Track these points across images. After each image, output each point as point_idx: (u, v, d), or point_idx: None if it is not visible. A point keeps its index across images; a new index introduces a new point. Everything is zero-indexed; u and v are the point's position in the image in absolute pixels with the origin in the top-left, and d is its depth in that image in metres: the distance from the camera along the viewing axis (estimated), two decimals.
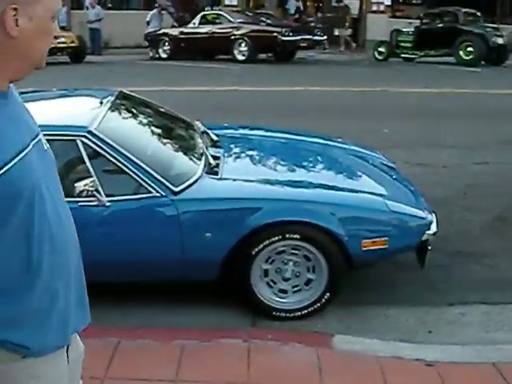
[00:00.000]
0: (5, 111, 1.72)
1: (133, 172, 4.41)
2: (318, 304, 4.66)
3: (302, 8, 31.27)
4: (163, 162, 4.82)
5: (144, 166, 4.44)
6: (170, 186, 4.46)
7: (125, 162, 4.41)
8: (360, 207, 4.75)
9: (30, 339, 1.78)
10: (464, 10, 24.49)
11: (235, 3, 29.23)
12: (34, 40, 1.72)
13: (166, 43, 23.93)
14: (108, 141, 4.44)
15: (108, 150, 4.41)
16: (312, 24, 26.73)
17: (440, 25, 24.35)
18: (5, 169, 1.64)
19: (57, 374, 1.90)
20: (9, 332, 1.74)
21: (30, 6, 1.66)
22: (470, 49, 23.22)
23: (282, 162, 5.64)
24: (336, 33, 27.85)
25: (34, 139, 1.79)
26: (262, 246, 4.50)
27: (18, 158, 1.68)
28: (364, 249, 4.55)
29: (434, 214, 4.98)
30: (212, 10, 25.95)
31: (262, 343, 4.24)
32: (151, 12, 25.85)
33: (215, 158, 5.11)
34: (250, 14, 24.71)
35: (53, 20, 1.76)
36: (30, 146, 1.75)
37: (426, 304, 5.05)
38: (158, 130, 5.56)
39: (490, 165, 8.84)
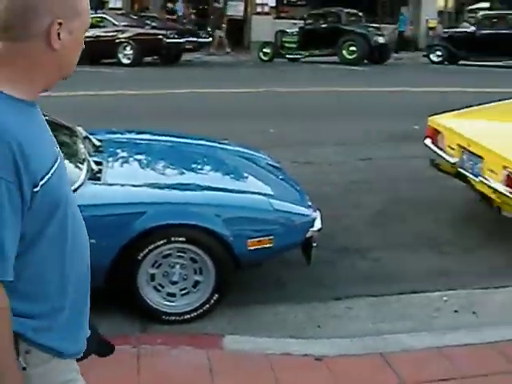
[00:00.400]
0: (39, 120, 1.84)
1: None
2: (207, 305, 4.65)
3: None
4: None
5: None
6: None
7: None
8: (244, 207, 4.78)
9: (63, 343, 1.89)
10: (346, 10, 25.08)
11: (119, 6, 28.92)
12: (71, 52, 1.82)
13: None
14: None
15: None
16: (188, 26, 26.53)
17: (323, 25, 24.85)
18: (47, 177, 1.73)
19: (77, 376, 2.04)
20: (45, 336, 1.83)
21: (71, 21, 1.76)
22: (352, 48, 23.81)
23: (167, 166, 5.61)
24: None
25: (57, 149, 1.89)
26: (147, 250, 4.45)
27: (54, 167, 1.78)
28: (250, 248, 4.57)
29: (318, 211, 5.05)
30: (96, 13, 25.52)
31: (151, 348, 4.19)
32: None
33: (98, 163, 5.02)
34: (135, 17, 24.49)
35: (85, 33, 1.85)
36: (59, 156, 1.86)
37: (313, 300, 5.11)
38: None
39: (373, 161, 9.08)
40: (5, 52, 1.75)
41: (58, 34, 1.73)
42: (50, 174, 1.75)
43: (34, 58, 1.76)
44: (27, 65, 1.76)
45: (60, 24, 1.73)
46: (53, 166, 1.78)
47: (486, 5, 41.01)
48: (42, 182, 1.72)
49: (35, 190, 1.70)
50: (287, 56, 25.32)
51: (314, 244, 4.90)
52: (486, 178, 5.86)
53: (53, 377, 1.91)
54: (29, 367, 1.84)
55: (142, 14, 26.38)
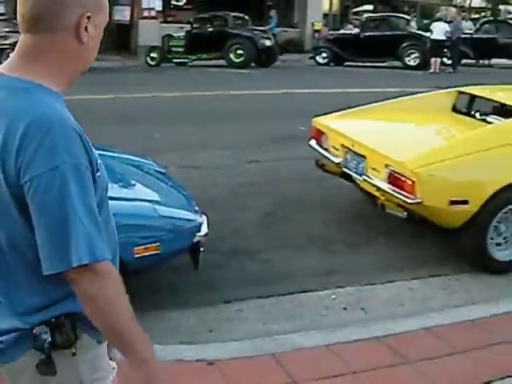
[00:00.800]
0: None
1: None
2: None
3: None
4: None
5: None
6: None
7: None
8: (130, 215, 4.70)
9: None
10: (233, 14, 25.20)
11: (2, 11, 28.12)
12: (94, 47, 1.89)
13: None
14: None
15: None
16: None
17: (210, 29, 24.87)
18: (99, 163, 1.84)
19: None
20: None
21: (97, 15, 1.83)
22: (239, 51, 23.94)
23: None
24: None
25: None
26: None
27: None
28: (136, 256, 4.51)
29: (204, 216, 5.05)
30: None
31: None
32: None
33: None
34: (16, 22, 23.81)
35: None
36: None
37: (205, 304, 5.11)
38: None
39: (260, 163, 9.13)
40: (38, 45, 1.80)
41: (86, 28, 1.80)
42: (100, 160, 1.86)
43: (65, 51, 1.82)
44: (59, 58, 1.82)
45: (88, 18, 1.79)
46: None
47: (370, 7, 42.12)
48: (98, 168, 1.83)
49: (98, 174, 1.82)
50: (174, 60, 25.17)
51: (202, 249, 4.89)
52: (369, 177, 6.01)
53: (98, 363, 1.98)
54: (78, 353, 1.88)
55: None
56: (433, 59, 24.33)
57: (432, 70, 24.13)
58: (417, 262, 6.04)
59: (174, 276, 5.47)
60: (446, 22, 25.33)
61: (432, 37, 24.42)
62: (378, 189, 5.89)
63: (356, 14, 42.55)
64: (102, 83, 18.83)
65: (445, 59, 25.00)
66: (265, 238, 6.46)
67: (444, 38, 24.24)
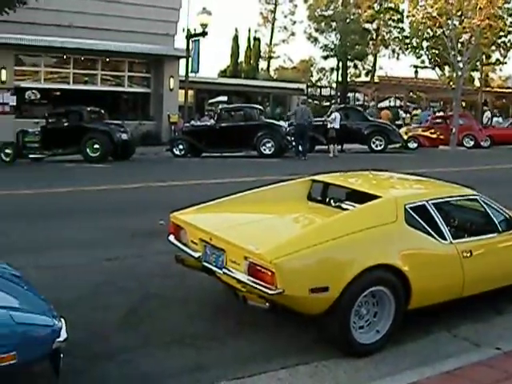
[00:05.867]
0: None
1: None
2: None
3: None
4: None
5: None
6: None
7: None
8: None
9: None
10: (88, 108, 25.13)
11: None
12: None
13: None
14: None
15: None
16: None
17: (66, 123, 24.70)
18: None
19: None
20: None
21: None
22: (96, 146, 23.85)
23: None
24: None
25: None
26: None
27: None
28: None
29: (63, 320, 4.88)
30: None
31: None
32: None
33: None
34: None
35: None
36: None
37: None
38: None
39: (120, 260, 8.97)
40: None
41: None
42: None
43: None
44: None
45: None
46: None
47: (225, 98, 43.19)
48: None
49: None
50: (30, 156, 24.75)
51: (61, 355, 4.71)
52: (229, 270, 6.02)
53: None
54: None
55: None
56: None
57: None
58: (284, 351, 6.04)
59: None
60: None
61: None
62: (239, 281, 5.89)
63: (211, 105, 43.46)
64: None
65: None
66: (127, 337, 6.27)
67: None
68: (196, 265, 6.66)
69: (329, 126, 26.97)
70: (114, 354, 5.88)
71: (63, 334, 4.76)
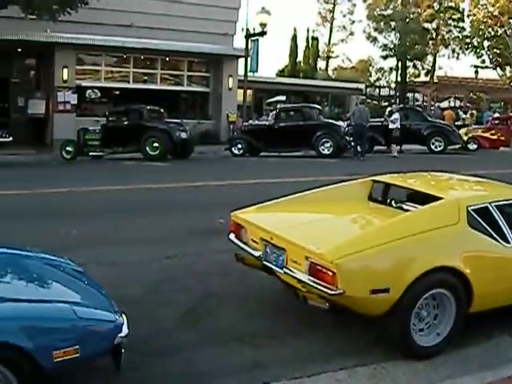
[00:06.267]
0: None
1: None
2: None
3: None
4: None
5: None
6: None
7: None
8: (48, 318, 4.56)
9: None
10: (148, 107, 25.31)
11: None
12: None
13: None
14: None
15: None
16: None
17: (126, 122, 24.89)
18: None
19: None
20: None
21: None
22: (155, 144, 23.97)
23: None
24: None
25: None
26: None
27: None
28: (56, 360, 4.36)
29: (124, 316, 4.93)
30: None
31: None
32: None
33: None
34: None
35: None
36: None
37: None
38: None
39: (179, 258, 9.02)
40: None
41: None
42: None
43: None
44: None
45: None
46: None
47: (283, 98, 43.16)
48: None
49: None
50: (90, 154, 25.06)
51: (123, 350, 4.76)
52: (290, 270, 6.00)
53: None
54: None
55: None
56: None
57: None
58: (343, 352, 6.02)
59: (93, 378, 5.29)
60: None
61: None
62: (299, 281, 5.88)
63: (270, 104, 43.49)
64: (16, 178, 18.57)
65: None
66: (187, 335, 6.32)
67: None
68: (256, 264, 6.67)
69: (390, 126, 26.72)
70: (173, 351, 5.93)
71: (125, 330, 4.81)
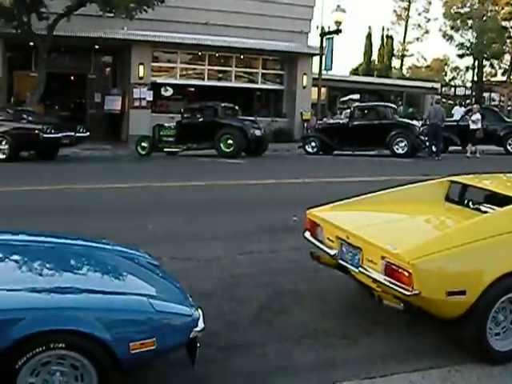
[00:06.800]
0: None
1: None
2: None
3: None
4: None
5: None
6: None
7: None
8: (124, 310, 4.63)
9: None
10: (223, 104, 25.48)
11: None
12: None
13: None
14: None
15: None
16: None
17: (200, 119, 25.11)
18: None
19: None
20: None
21: None
22: (230, 141, 24.12)
23: (45, 268, 5.41)
24: None
25: None
26: (25, 358, 4.25)
27: None
28: (132, 351, 4.43)
29: (200, 310, 4.98)
30: None
31: None
32: None
33: None
34: (11, 111, 24.04)
35: None
36: None
37: None
38: None
39: (254, 254, 9.07)
40: None
41: None
42: None
43: None
44: None
45: None
46: None
47: (357, 96, 42.96)
48: None
49: None
50: (165, 150, 25.41)
51: (198, 344, 4.81)
52: (365, 269, 5.97)
53: None
54: None
55: (19, 108, 25.95)
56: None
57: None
58: (416, 353, 5.94)
59: (168, 371, 5.36)
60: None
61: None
62: (375, 281, 5.85)
63: (344, 103, 43.34)
64: (93, 173, 18.96)
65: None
66: (261, 331, 6.35)
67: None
68: (331, 262, 6.65)
69: (472, 126, 26.21)
70: (248, 347, 5.96)
71: (200, 324, 4.84)
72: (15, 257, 5.56)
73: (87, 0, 25.42)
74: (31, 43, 27.93)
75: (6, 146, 21.48)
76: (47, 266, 5.47)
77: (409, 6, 57.89)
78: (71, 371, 4.43)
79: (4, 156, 21.43)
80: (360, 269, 6.04)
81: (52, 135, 21.60)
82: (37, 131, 21.36)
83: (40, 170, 19.99)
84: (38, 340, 4.29)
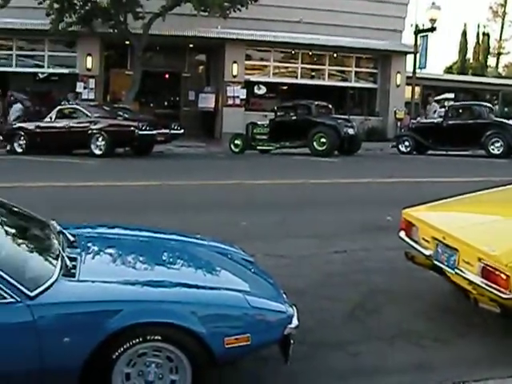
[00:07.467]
0: None
1: None
2: None
3: None
4: (17, 265, 4.61)
5: None
6: (24, 290, 4.26)
7: None
8: (220, 304, 4.69)
9: None
10: (316, 102, 25.44)
11: (92, 97, 29.26)
12: None
13: (22, 137, 23.40)
14: None
15: None
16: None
17: (294, 117, 25.13)
18: None
19: None
20: None
21: None
22: (323, 140, 24.04)
23: (141, 262, 5.53)
24: None
25: None
26: (122, 349, 4.35)
27: None
28: (227, 346, 4.48)
29: (294, 307, 5.00)
30: (69, 104, 25.80)
31: None
32: (14, 105, 25.80)
33: (72, 259, 4.96)
34: (107, 109, 24.65)
35: None
36: None
37: None
38: (12, 231, 5.34)
39: (347, 253, 9.03)
40: None
41: None
42: None
43: None
44: None
45: None
46: None
47: (451, 95, 42.17)
48: None
49: None
50: (258, 148, 25.58)
51: (292, 341, 4.82)
52: (461, 270, 5.87)
53: None
54: None
55: (115, 105, 26.57)
56: None
57: None
58: None
59: (261, 367, 5.39)
60: None
61: None
62: (471, 283, 5.74)
63: (438, 102, 42.65)
64: (186, 170, 19.23)
65: None
66: (353, 330, 6.31)
67: None
68: (426, 263, 6.57)
69: None
70: (341, 345, 5.93)
71: (295, 321, 4.86)
72: (110, 250, 5.69)
73: None
74: (127, 42, 28.59)
75: (103, 143, 22.04)
76: (142, 259, 5.58)
77: (505, 2, 56.46)
78: (166, 363, 4.52)
79: (100, 152, 22.00)
80: (456, 270, 5.94)
81: (147, 132, 22.03)
82: (132, 128, 21.83)
83: (135, 166, 20.43)
84: (135, 332, 4.38)
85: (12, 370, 4.26)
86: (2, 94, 28.05)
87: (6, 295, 4.22)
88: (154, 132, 22.37)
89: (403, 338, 6.17)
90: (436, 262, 6.34)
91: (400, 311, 6.86)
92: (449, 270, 6.11)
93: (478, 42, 56.01)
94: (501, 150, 25.01)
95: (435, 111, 31.17)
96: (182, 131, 24.18)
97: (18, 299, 4.23)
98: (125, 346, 4.36)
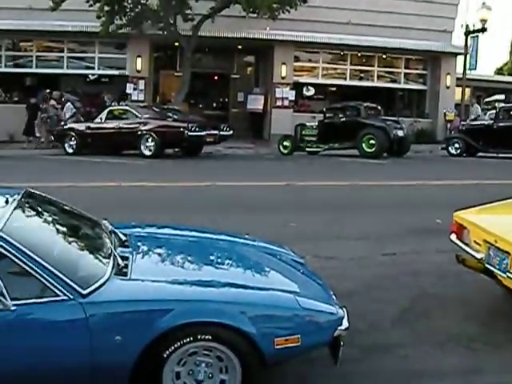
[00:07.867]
0: None
1: (39, 274, 4.27)
2: None
3: None
4: (71, 264, 4.69)
5: (50, 267, 4.31)
6: (77, 288, 4.34)
7: (30, 264, 4.26)
8: (271, 305, 4.71)
9: None
10: (365, 104, 25.31)
11: (142, 98, 29.52)
12: None
13: (73, 138, 23.75)
14: (13, 242, 4.31)
15: (13, 252, 4.27)
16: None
17: (343, 119, 25.05)
18: None
19: None
20: None
21: None
22: (372, 142, 23.89)
23: (191, 261, 5.58)
24: None
25: None
26: (173, 348, 4.40)
27: None
28: (277, 347, 4.50)
29: (344, 309, 4.99)
30: (119, 105, 26.08)
31: None
32: (66, 105, 26.18)
33: (124, 258, 5.03)
34: (157, 110, 24.86)
35: None
36: None
37: None
38: (65, 230, 5.43)
39: (397, 255, 8.99)
40: None
41: None
42: None
43: None
44: None
45: None
46: None
47: (502, 97, 41.60)
48: None
49: None
50: (307, 149, 25.56)
51: (342, 343, 4.81)
52: None
53: None
54: None
55: (164, 106, 26.78)
56: None
57: None
58: None
59: (310, 369, 5.39)
60: None
61: None
62: None
63: (488, 103, 42.09)
64: (236, 170, 19.31)
65: None
66: (402, 333, 6.28)
67: None
68: (477, 266, 6.49)
69: None
70: (389, 348, 5.91)
71: (345, 323, 4.86)
72: (160, 250, 5.76)
73: (231, 1, 25.94)
74: (177, 44, 28.77)
75: (152, 143, 22.21)
76: (192, 259, 5.63)
77: None
78: (216, 363, 4.55)
79: (150, 153, 22.18)
80: (508, 274, 5.87)
81: (196, 133, 22.15)
82: (182, 129, 21.96)
83: (185, 167, 20.58)
84: (186, 331, 4.42)
85: (64, 367, 4.33)
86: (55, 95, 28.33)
87: (59, 293, 4.29)
88: (203, 133, 22.47)
89: (453, 341, 6.12)
90: (487, 266, 6.27)
91: (450, 314, 6.80)
92: (500, 273, 6.03)
93: None
94: None
95: (479, 114, 30.72)
96: (231, 132, 24.24)
97: (71, 297, 4.30)
98: (175, 345, 4.41)
